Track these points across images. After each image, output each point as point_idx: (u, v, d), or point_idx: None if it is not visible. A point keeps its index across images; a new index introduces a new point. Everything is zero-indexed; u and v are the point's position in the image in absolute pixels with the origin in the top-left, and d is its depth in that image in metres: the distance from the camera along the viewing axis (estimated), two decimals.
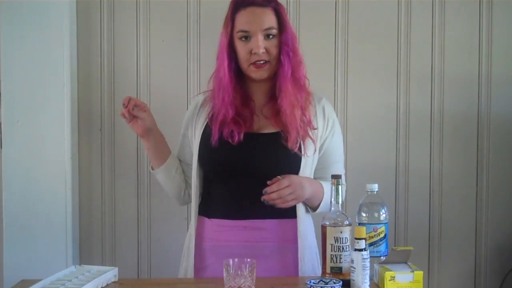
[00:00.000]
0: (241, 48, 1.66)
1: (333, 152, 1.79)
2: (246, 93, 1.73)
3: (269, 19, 1.66)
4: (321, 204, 1.73)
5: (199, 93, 1.90)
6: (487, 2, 2.35)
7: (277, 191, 1.57)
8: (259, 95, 1.74)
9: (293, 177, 1.61)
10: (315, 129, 1.72)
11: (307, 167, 1.71)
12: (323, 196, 1.71)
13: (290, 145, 1.65)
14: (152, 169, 1.82)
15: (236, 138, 1.65)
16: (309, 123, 1.71)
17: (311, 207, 1.75)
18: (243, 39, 1.66)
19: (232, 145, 1.66)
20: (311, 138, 1.70)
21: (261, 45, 1.64)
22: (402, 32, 2.34)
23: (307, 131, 1.69)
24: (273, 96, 1.71)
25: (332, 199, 1.54)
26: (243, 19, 1.66)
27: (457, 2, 2.35)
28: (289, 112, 1.66)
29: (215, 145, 1.67)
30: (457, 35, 2.36)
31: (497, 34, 2.36)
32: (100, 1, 2.30)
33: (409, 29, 2.34)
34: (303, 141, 1.69)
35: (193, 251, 1.72)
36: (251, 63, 1.66)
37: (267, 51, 1.65)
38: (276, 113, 1.69)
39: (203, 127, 1.74)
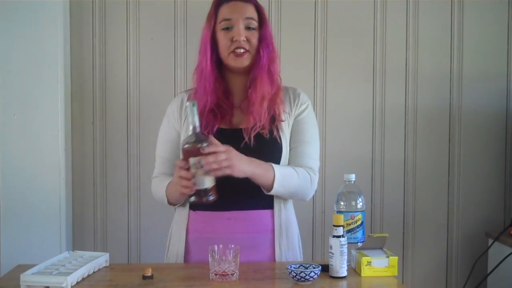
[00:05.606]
0: (223, 37, 1.66)
1: (303, 131, 1.73)
2: (226, 86, 1.72)
3: (251, 11, 1.68)
4: (275, 184, 1.61)
5: (182, 91, 1.88)
6: (458, 2, 2.38)
7: (214, 153, 1.48)
8: (237, 89, 1.73)
9: (232, 148, 1.54)
10: (282, 121, 1.69)
11: (286, 154, 1.70)
12: (273, 175, 1.62)
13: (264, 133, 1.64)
14: (173, 204, 1.73)
15: (209, 132, 1.62)
16: (278, 115, 1.69)
17: (265, 188, 1.65)
18: (225, 29, 1.66)
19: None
20: (277, 129, 1.68)
21: (242, 33, 1.64)
22: (378, 31, 2.37)
23: (274, 123, 1.68)
24: None
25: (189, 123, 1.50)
26: (226, 10, 1.67)
27: (430, 2, 2.38)
28: (259, 103, 1.65)
29: None
30: (430, 33, 2.39)
31: (468, 32, 2.40)
32: (92, 1, 2.30)
33: (385, 28, 2.37)
34: (279, 129, 1.68)
35: (183, 238, 1.70)
36: (231, 51, 1.65)
37: (248, 40, 1.66)
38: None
39: None
